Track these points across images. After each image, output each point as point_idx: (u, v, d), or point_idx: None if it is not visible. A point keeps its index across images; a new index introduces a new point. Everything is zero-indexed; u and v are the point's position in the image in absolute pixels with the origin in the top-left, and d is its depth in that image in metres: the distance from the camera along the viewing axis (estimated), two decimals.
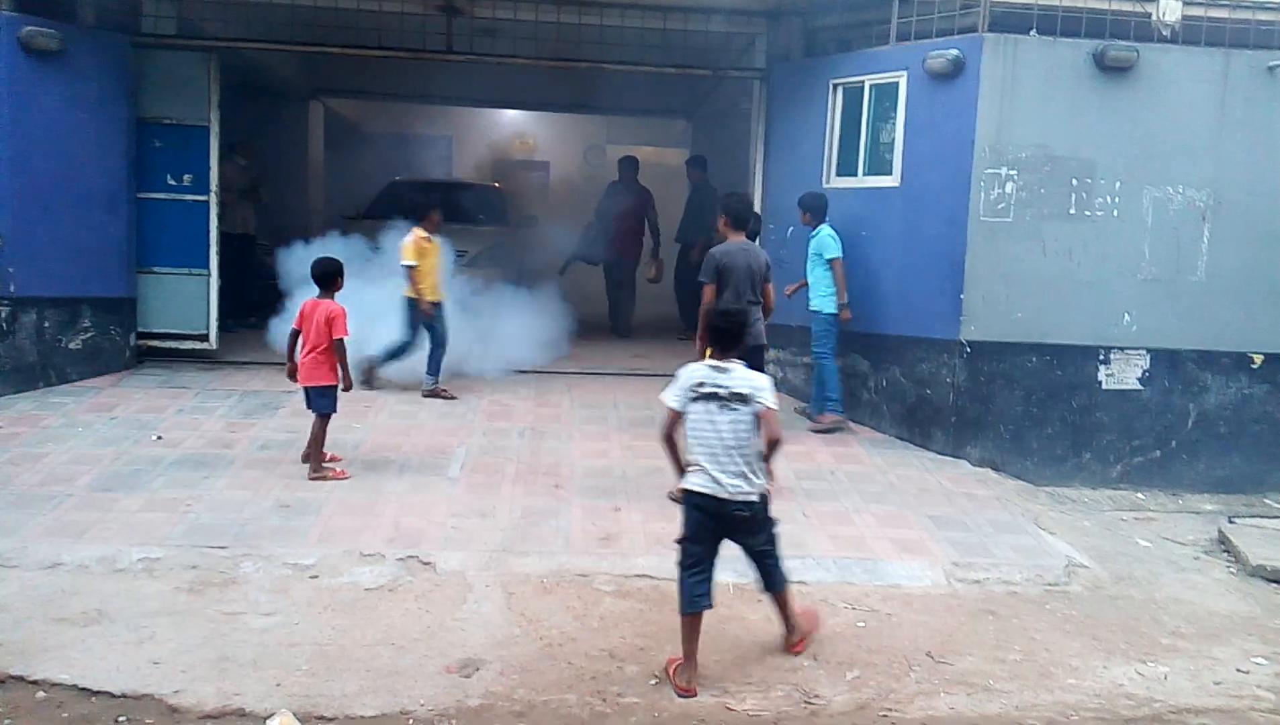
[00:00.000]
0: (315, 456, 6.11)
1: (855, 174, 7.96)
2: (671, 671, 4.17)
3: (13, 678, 3.97)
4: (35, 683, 3.94)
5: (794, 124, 8.46)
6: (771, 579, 4.39)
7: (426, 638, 4.41)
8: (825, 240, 7.46)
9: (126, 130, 8.07)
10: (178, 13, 8.50)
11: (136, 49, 8.15)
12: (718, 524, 4.17)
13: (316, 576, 4.95)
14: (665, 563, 5.20)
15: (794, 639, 4.46)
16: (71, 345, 7.87)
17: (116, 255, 8.09)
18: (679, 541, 4.26)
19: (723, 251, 6.26)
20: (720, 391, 4.10)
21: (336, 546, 5.24)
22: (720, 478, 4.08)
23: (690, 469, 4.18)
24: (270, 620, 4.50)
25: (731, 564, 5.16)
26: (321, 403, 6.07)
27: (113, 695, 3.88)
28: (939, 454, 7.21)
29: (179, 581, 4.84)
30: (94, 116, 7.81)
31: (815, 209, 7.60)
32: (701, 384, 4.13)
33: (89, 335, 7.97)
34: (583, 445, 7.03)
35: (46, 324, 7.71)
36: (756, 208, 8.89)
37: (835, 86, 8.07)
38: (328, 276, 6.11)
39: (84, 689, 3.91)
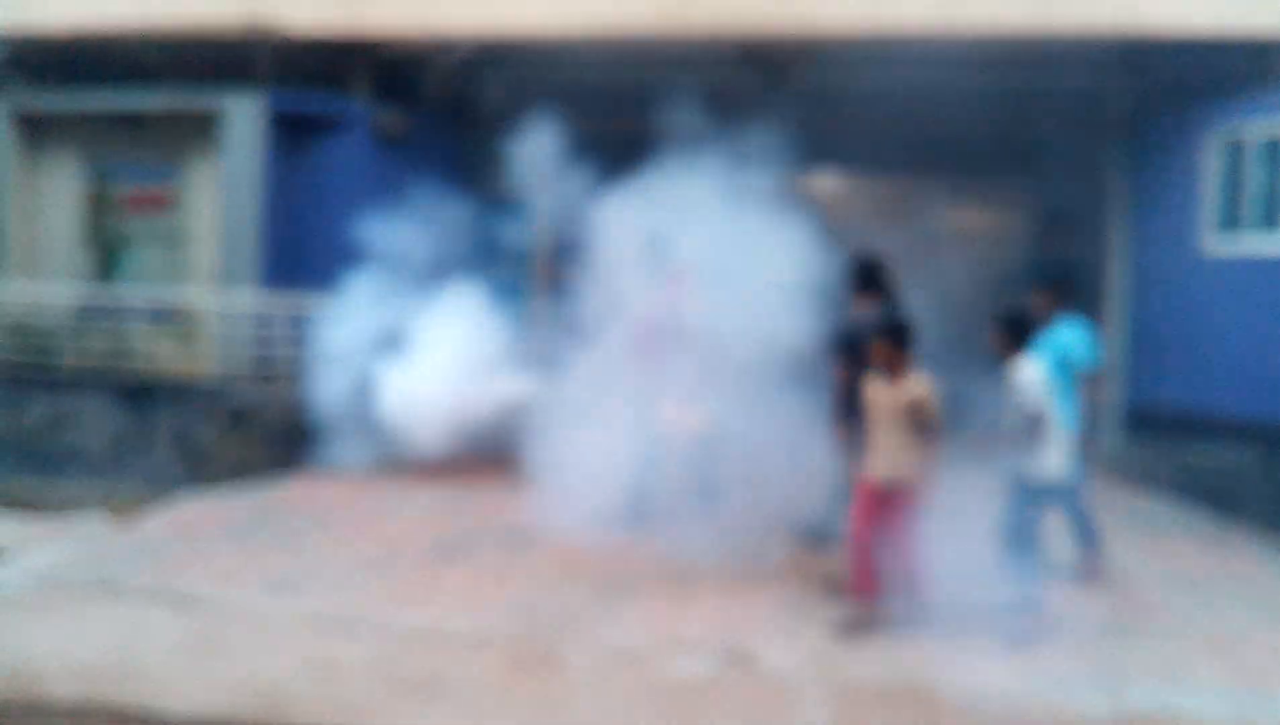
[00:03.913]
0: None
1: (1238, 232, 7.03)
2: None
3: None
4: None
5: (1162, 180, 7.65)
6: None
7: None
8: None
9: (455, 203, 8.56)
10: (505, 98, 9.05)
11: (471, 131, 8.75)
12: None
13: (636, 662, 4.77)
14: (1019, 677, 4.62)
15: None
16: None
17: None
18: None
19: (854, 324, 5.70)
20: None
21: (655, 631, 5.07)
22: None
23: None
24: (592, 705, 4.35)
25: None
26: None
27: None
28: None
29: (504, 655, 4.82)
30: (430, 190, 8.36)
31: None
32: None
33: None
34: None
35: None
36: (1115, 271, 8.14)
37: (1212, 139, 7.20)
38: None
39: None
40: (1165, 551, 6.41)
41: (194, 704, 4.29)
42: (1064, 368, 5.41)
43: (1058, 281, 5.59)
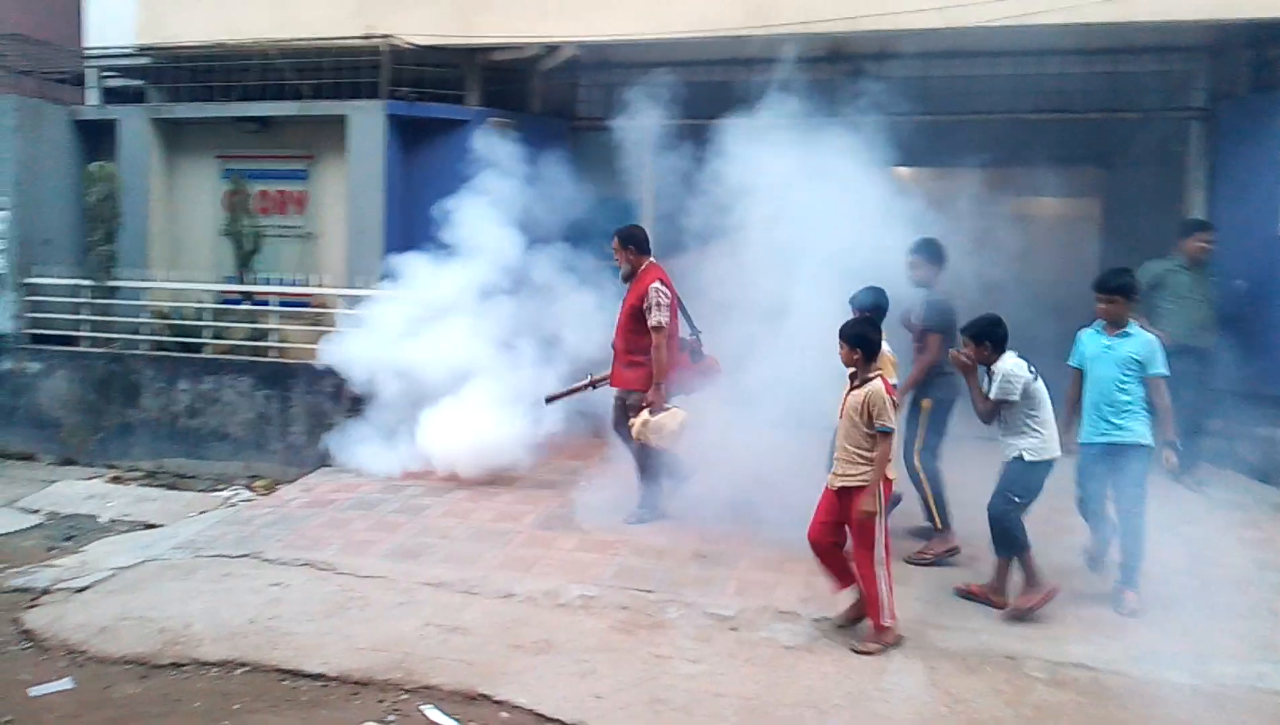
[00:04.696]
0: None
1: None
2: None
3: (481, 695, 4.44)
4: (499, 703, 4.38)
5: (1245, 166, 7.58)
6: None
7: (849, 705, 4.34)
8: (1155, 346, 5.33)
9: (562, 199, 8.80)
10: (606, 99, 9.35)
11: (574, 131, 9.08)
12: None
13: (736, 629, 5.07)
14: (1103, 651, 4.79)
15: None
16: None
17: None
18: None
19: (951, 299, 6.01)
20: None
21: (753, 600, 5.35)
22: None
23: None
24: (696, 668, 4.67)
25: None
26: None
27: (563, 724, 4.21)
28: None
29: (613, 620, 5.18)
30: (541, 190, 8.64)
31: (1129, 289, 5.44)
32: None
33: None
34: None
35: None
36: None
37: None
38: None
39: (539, 714, 4.27)
40: (1252, 531, 6.37)
41: (330, 663, 4.70)
42: (1133, 373, 5.26)
43: (1121, 288, 5.37)
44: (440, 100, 8.66)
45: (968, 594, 5.39)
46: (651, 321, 6.30)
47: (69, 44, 10.57)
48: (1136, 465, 5.22)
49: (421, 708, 4.33)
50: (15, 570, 6.07)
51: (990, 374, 5.29)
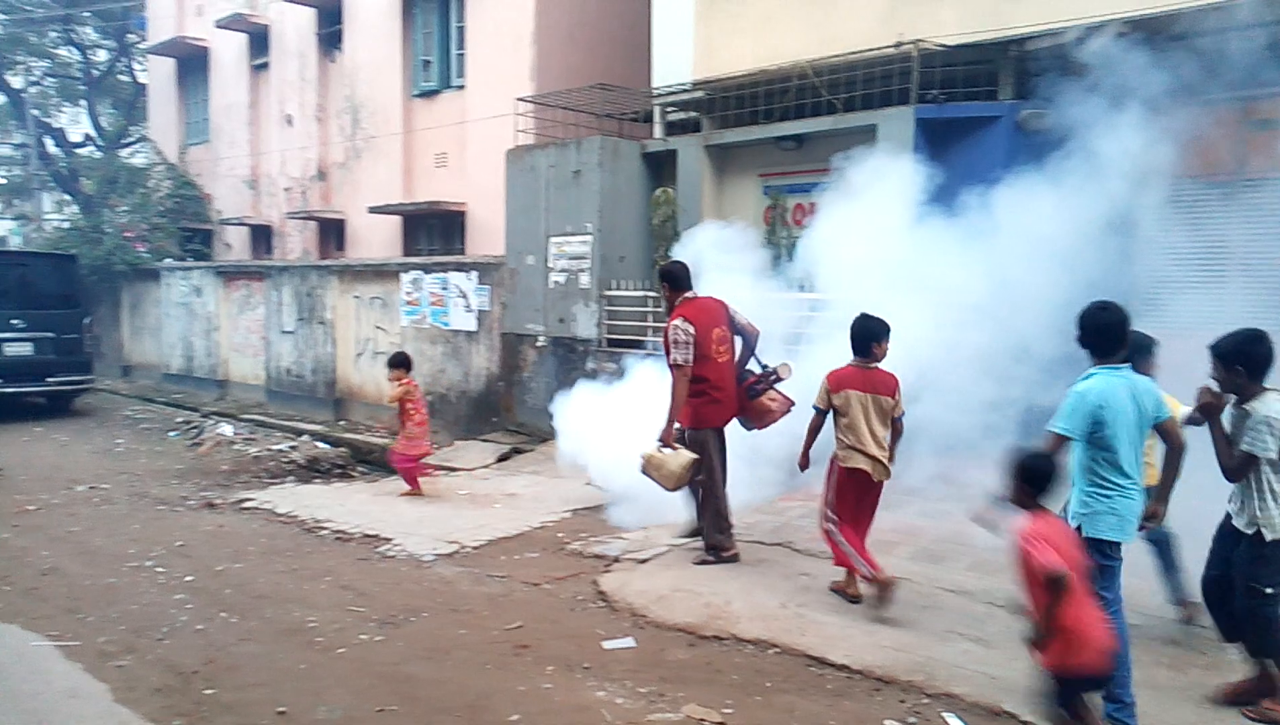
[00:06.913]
0: None
1: None
2: None
3: (1005, 712, 4.29)
4: (1025, 723, 4.19)
5: None
6: None
7: None
8: None
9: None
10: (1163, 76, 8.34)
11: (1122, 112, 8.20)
12: None
13: None
14: None
15: None
16: None
17: None
18: None
19: None
20: None
21: None
22: None
23: None
24: None
25: None
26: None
27: None
28: None
29: (1158, 654, 4.73)
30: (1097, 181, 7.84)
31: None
32: None
33: None
34: None
35: None
36: None
37: None
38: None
39: None
40: None
41: (854, 656, 4.85)
42: None
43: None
44: (970, 99, 8.45)
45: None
46: (669, 359, 6.29)
47: (639, 86, 12.15)
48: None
49: (944, 714, 4.29)
50: (595, 540, 7.17)
51: (1241, 414, 4.12)
